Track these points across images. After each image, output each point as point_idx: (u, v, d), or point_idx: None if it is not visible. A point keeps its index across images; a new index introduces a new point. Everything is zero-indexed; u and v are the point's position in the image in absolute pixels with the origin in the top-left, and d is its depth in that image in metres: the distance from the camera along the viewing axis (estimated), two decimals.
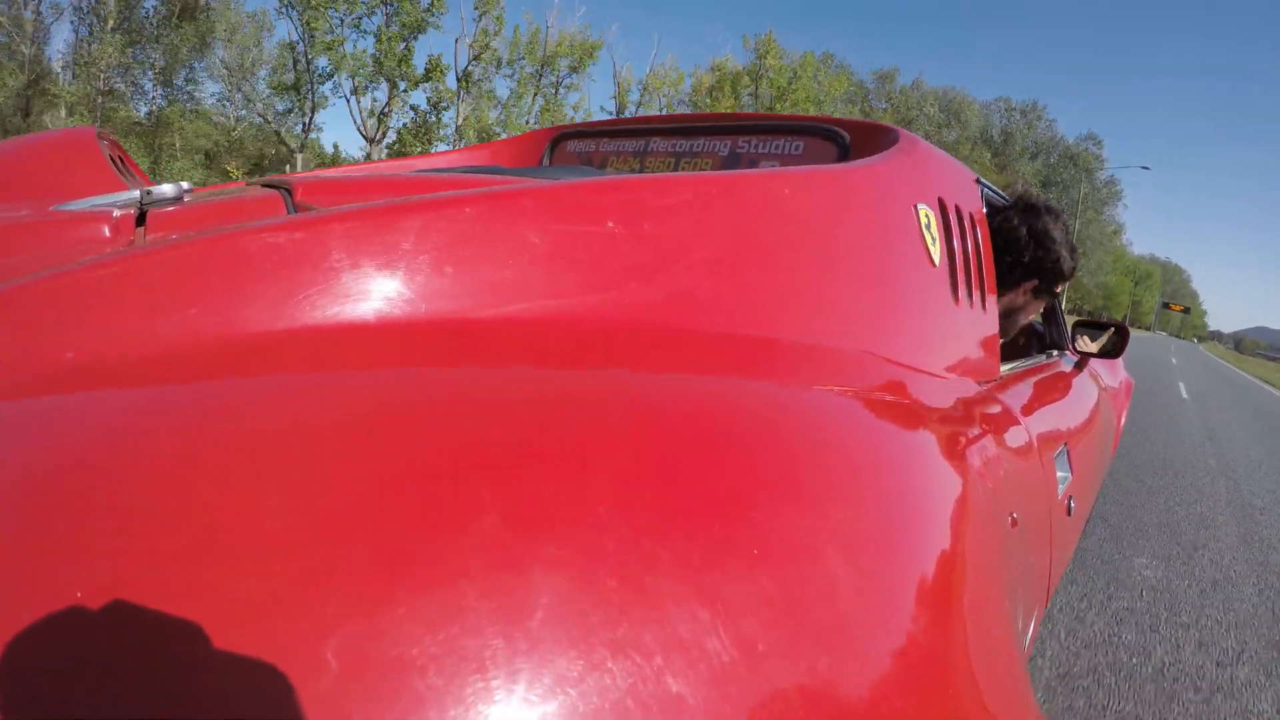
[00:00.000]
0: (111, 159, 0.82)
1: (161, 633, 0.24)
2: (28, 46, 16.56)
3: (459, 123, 20.96)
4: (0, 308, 0.37)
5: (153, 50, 18.23)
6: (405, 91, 19.16)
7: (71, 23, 17.39)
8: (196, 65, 19.45)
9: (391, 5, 18.03)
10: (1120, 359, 1.97)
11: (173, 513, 0.27)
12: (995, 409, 0.88)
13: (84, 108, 16.79)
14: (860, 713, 0.33)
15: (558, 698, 0.25)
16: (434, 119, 19.69)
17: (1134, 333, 5.95)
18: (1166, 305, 60.74)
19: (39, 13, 16.88)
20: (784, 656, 0.31)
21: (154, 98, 19.08)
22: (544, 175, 0.97)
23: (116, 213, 0.50)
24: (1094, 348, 1.73)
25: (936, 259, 0.87)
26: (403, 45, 18.34)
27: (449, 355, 0.43)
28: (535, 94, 22.35)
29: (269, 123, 19.31)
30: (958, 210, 0.98)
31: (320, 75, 18.23)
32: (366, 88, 18.96)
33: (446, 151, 1.54)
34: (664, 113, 26.28)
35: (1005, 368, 1.15)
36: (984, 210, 1.12)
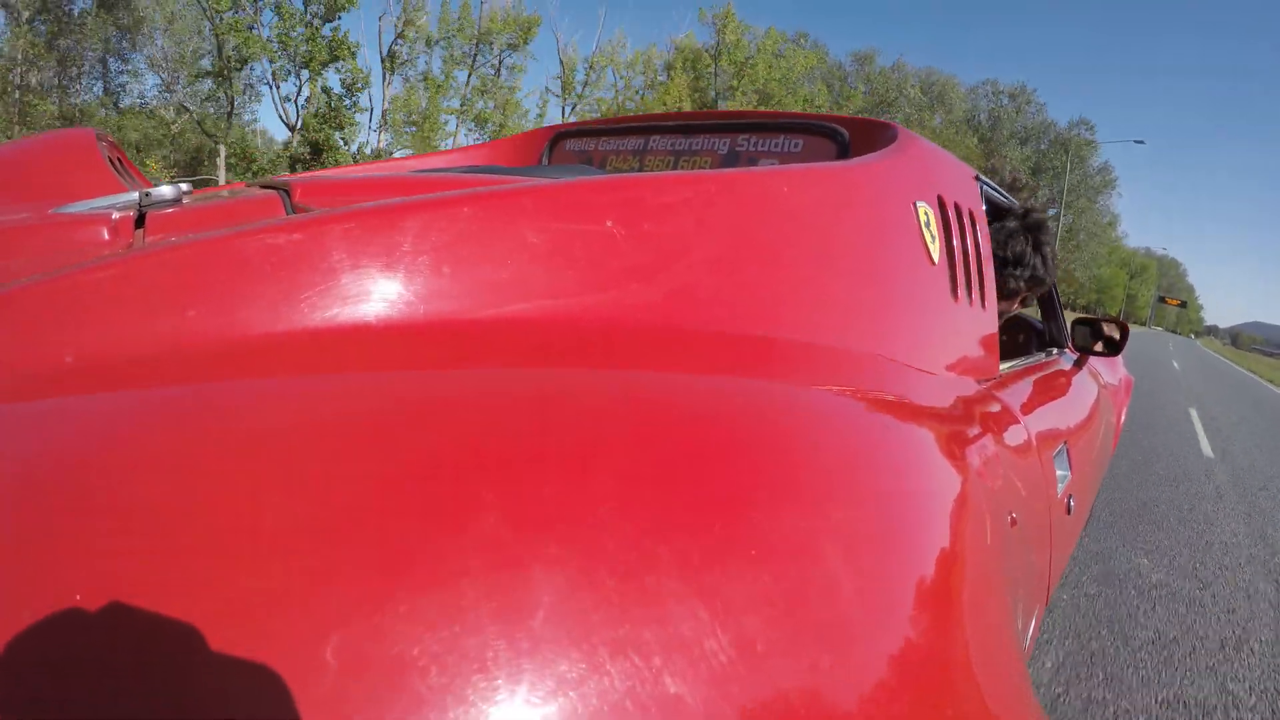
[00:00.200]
0: (110, 161, 0.81)
1: (162, 633, 0.24)
2: None
3: (385, 106, 19.54)
4: (0, 309, 0.37)
5: (84, 43, 17.17)
6: (315, 74, 17.74)
7: None
8: (135, 57, 18.33)
9: None
10: (1120, 356, 1.95)
11: (173, 513, 0.27)
12: (994, 407, 0.88)
13: None
14: (861, 712, 0.33)
15: (558, 697, 0.25)
16: (350, 102, 18.11)
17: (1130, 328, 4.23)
18: (1163, 299, 59.54)
19: None
20: (784, 656, 0.31)
21: (84, 91, 17.96)
22: (543, 174, 0.97)
23: (115, 215, 0.50)
24: (1094, 345, 1.73)
25: (936, 257, 0.87)
26: (307, 25, 17.04)
27: (449, 355, 0.43)
28: (470, 74, 20.68)
29: (190, 112, 18.14)
30: (957, 208, 0.98)
31: (237, 61, 16.97)
32: (288, 73, 17.72)
33: (445, 151, 1.54)
34: (618, 94, 24.32)
35: (1004, 366, 1.15)
36: (984, 208, 1.11)
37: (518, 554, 0.28)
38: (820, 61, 29.03)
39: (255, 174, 16.60)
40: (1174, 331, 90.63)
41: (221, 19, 15.90)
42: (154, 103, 18.50)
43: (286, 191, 0.59)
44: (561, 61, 23.63)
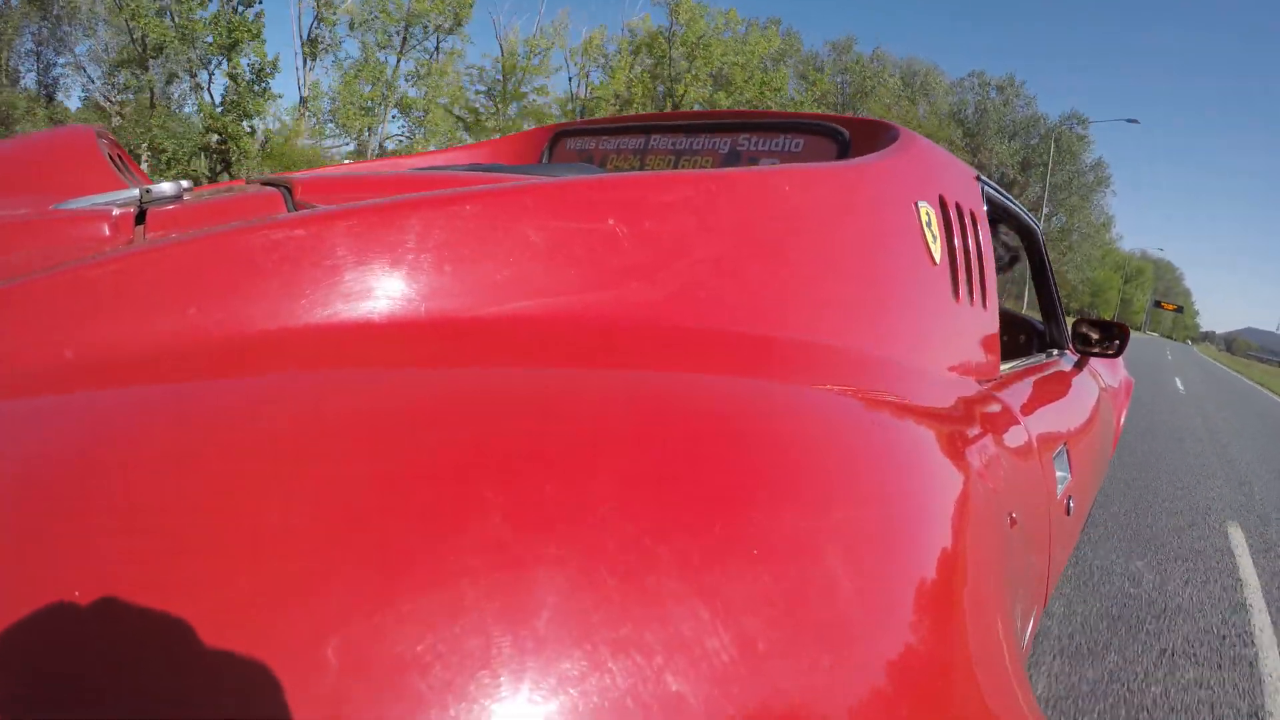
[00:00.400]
0: (110, 158, 0.81)
1: (164, 633, 0.24)
2: None
3: (304, 94, 18.37)
4: (0, 306, 0.37)
5: (6, 34, 16.29)
6: (223, 60, 16.56)
7: None
8: (79, 51, 17.27)
9: None
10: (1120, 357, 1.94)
11: (174, 511, 0.27)
12: (995, 408, 0.88)
13: None
14: (861, 711, 0.33)
15: (559, 697, 0.25)
16: (260, 89, 16.75)
17: None
18: (1158, 304, 57.92)
19: None
20: (784, 656, 0.31)
21: (6, 86, 16.77)
22: (544, 173, 0.97)
23: (116, 211, 0.50)
24: (1095, 347, 1.73)
25: (937, 257, 0.86)
26: (210, 9, 15.79)
27: (450, 353, 0.43)
28: (399, 58, 18.91)
29: (114, 104, 17.00)
30: (958, 208, 0.98)
31: (153, 49, 15.85)
32: (206, 60, 16.60)
33: (445, 149, 1.54)
34: (571, 78, 22.36)
35: (1005, 366, 1.15)
36: (985, 208, 1.11)
37: (519, 553, 0.28)
38: (792, 48, 27.02)
39: (167, 165, 15.44)
40: (1169, 337, 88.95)
41: (126, 3, 14.83)
42: (91, 95, 17.50)
43: (288, 189, 0.58)
44: (500, 46, 21.67)
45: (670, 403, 0.42)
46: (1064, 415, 1.28)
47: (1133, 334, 1.92)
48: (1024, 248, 1.73)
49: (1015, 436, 0.88)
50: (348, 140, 19.29)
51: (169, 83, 16.74)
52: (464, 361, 0.43)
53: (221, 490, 0.28)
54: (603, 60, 22.91)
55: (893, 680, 0.35)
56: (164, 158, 15.29)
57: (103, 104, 16.86)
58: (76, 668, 0.23)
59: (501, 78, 21.59)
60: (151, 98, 16.21)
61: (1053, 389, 1.32)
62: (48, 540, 0.26)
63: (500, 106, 21.21)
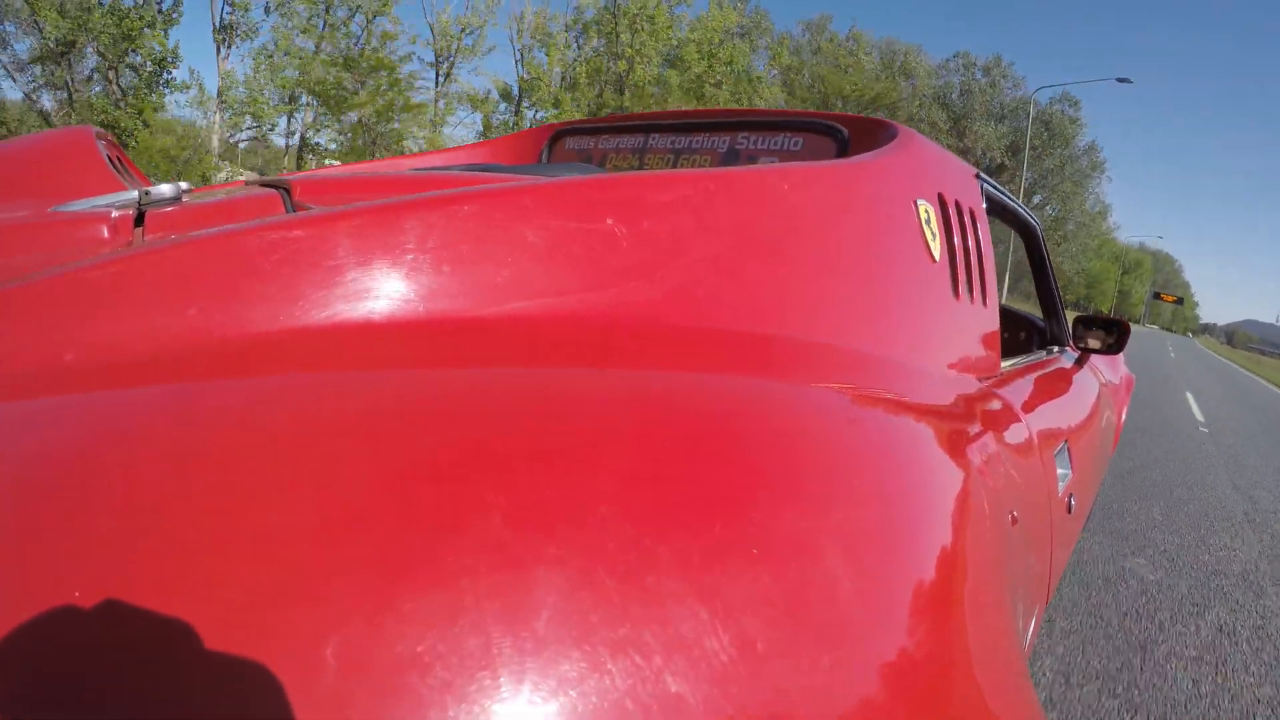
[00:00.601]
0: (109, 159, 0.81)
1: (164, 634, 0.24)
2: None
3: (220, 84, 16.97)
4: (0, 308, 0.37)
5: None
6: (118, 50, 15.24)
7: None
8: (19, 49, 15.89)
9: None
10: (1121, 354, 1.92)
11: (174, 512, 0.27)
12: (996, 406, 0.88)
13: None
14: (861, 711, 0.33)
15: (559, 697, 0.25)
16: (160, 79, 15.53)
17: None
18: (1158, 295, 55.98)
19: None
20: (785, 656, 0.31)
21: None
22: (542, 173, 0.97)
23: (115, 213, 0.50)
24: (1095, 343, 1.72)
25: (937, 255, 0.86)
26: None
27: (450, 354, 0.43)
28: (318, 43, 17.50)
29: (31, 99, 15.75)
30: (957, 205, 0.97)
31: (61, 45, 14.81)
32: (113, 54, 15.36)
33: (443, 150, 1.53)
34: (518, 62, 20.57)
35: (1006, 363, 1.15)
36: (984, 206, 1.11)
37: (519, 553, 0.28)
38: (760, 27, 25.10)
39: None
40: (1169, 330, 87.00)
41: None
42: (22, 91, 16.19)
43: (286, 190, 0.58)
44: (431, 28, 19.87)
45: (670, 402, 0.42)
46: (1065, 412, 1.28)
47: (1132, 328, 1.79)
48: (1024, 245, 1.70)
49: (1016, 434, 0.87)
50: (252, 131, 17.38)
51: (89, 79, 15.67)
52: (463, 362, 0.42)
53: (221, 491, 0.28)
54: (546, 39, 20.97)
55: (894, 680, 0.35)
56: None
57: (41, 103, 15.96)
58: (77, 668, 0.23)
59: (434, 61, 19.71)
60: (70, 94, 15.32)
61: (1053, 386, 1.32)
62: (48, 541, 0.26)
63: (435, 91, 19.31)
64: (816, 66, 27.88)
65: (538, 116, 19.04)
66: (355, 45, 18.81)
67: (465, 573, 0.26)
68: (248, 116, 17.18)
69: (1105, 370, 1.95)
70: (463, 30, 20.33)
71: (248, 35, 17.11)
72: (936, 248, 0.86)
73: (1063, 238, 35.04)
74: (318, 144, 18.09)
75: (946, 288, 0.88)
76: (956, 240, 0.93)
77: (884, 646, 0.35)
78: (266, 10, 17.25)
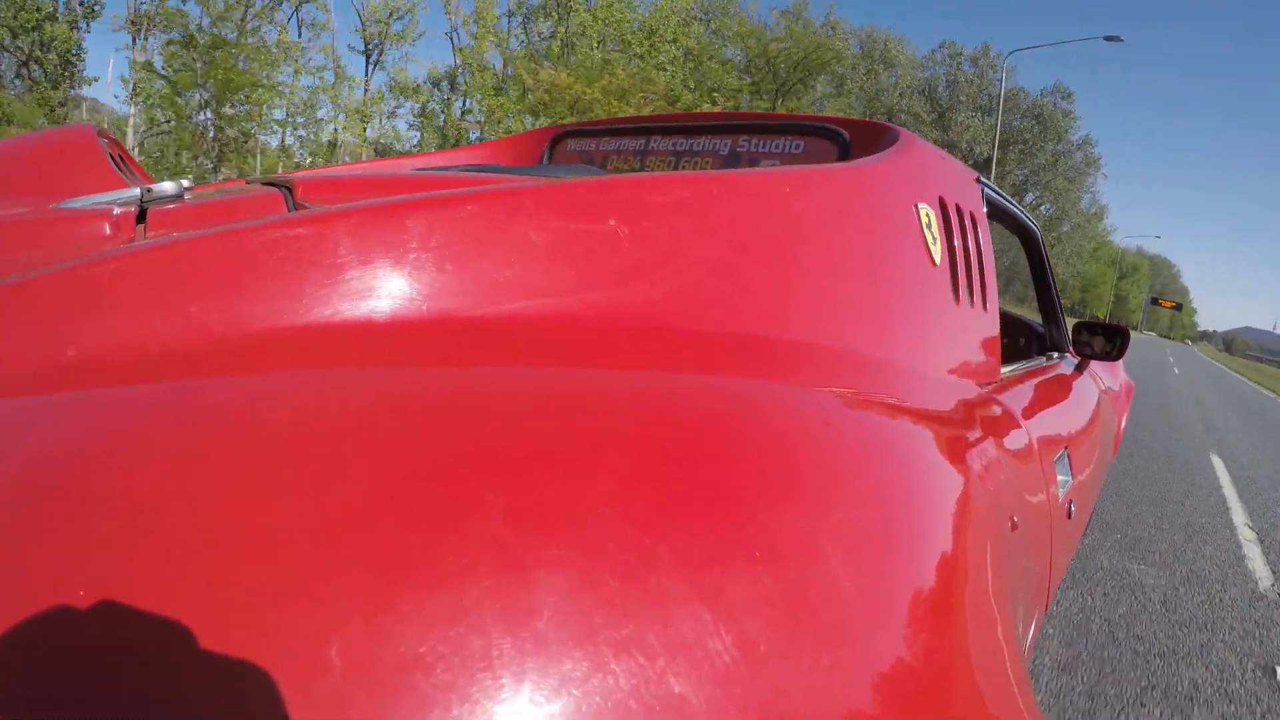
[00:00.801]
0: (111, 156, 0.81)
1: (165, 634, 0.24)
2: None
3: (135, 76, 15.76)
4: (1, 305, 0.37)
5: None
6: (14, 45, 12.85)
7: None
8: None
9: None
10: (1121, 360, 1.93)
11: (175, 511, 0.27)
12: (996, 411, 0.88)
13: None
14: (861, 714, 0.33)
15: (561, 697, 0.25)
16: (65, 73, 15.26)
17: None
18: (1155, 301, 54.26)
19: None
20: (785, 658, 0.31)
21: None
22: (544, 174, 0.96)
23: (117, 210, 0.50)
24: (1095, 349, 1.72)
25: (937, 259, 0.86)
26: None
27: (451, 353, 0.43)
28: (239, 33, 16.11)
29: None
30: (958, 209, 0.97)
31: None
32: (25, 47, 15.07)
33: (445, 150, 1.53)
34: (456, 48, 18.68)
35: (1006, 369, 1.15)
36: (985, 210, 1.11)
37: (520, 554, 0.28)
38: (728, 13, 23.11)
39: None
40: (1168, 337, 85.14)
41: None
42: None
43: (288, 188, 0.58)
44: (359, 14, 18.03)
45: (671, 404, 0.42)
46: (1065, 418, 1.28)
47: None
48: (1024, 250, 1.69)
49: (1016, 439, 0.87)
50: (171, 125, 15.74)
51: (17, 75, 15.24)
52: (465, 362, 0.42)
53: (222, 490, 0.28)
54: (482, 22, 18.98)
55: (893, 683, 0.35)
56: None
57: None
58: (77, 668, 0.23)
59: (364, 49, 17.76)
60: None
61: (1053, 392, 1.32)
62: (49, 540, 0.26)
63: (365, 82, 17.45)
64: (800, 64, 25.93)
65: (467, 104, 16.92)
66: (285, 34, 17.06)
67: (467, 573, 0.26)
68: (158, 110, 15.68)
69: (1105, 377, 1.96)
70: (391, 14, 18.49)
71: (163, 25, 15.65)
72: (937, 252, 0.86)
73: (1056, 239, 33.08)
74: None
75: (947, 292, 0.88)
76: (957, 244, 0.94)
77: (884, 650, 0.35)
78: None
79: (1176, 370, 16.02)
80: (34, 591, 0.24)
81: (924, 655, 0.37)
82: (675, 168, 1.27)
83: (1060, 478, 1.09)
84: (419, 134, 19.20)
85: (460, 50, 17.39)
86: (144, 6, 16.15)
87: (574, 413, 0.37)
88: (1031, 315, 2.07)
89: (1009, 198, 1.37)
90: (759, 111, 1.78)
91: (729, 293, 0.57)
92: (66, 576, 0.24)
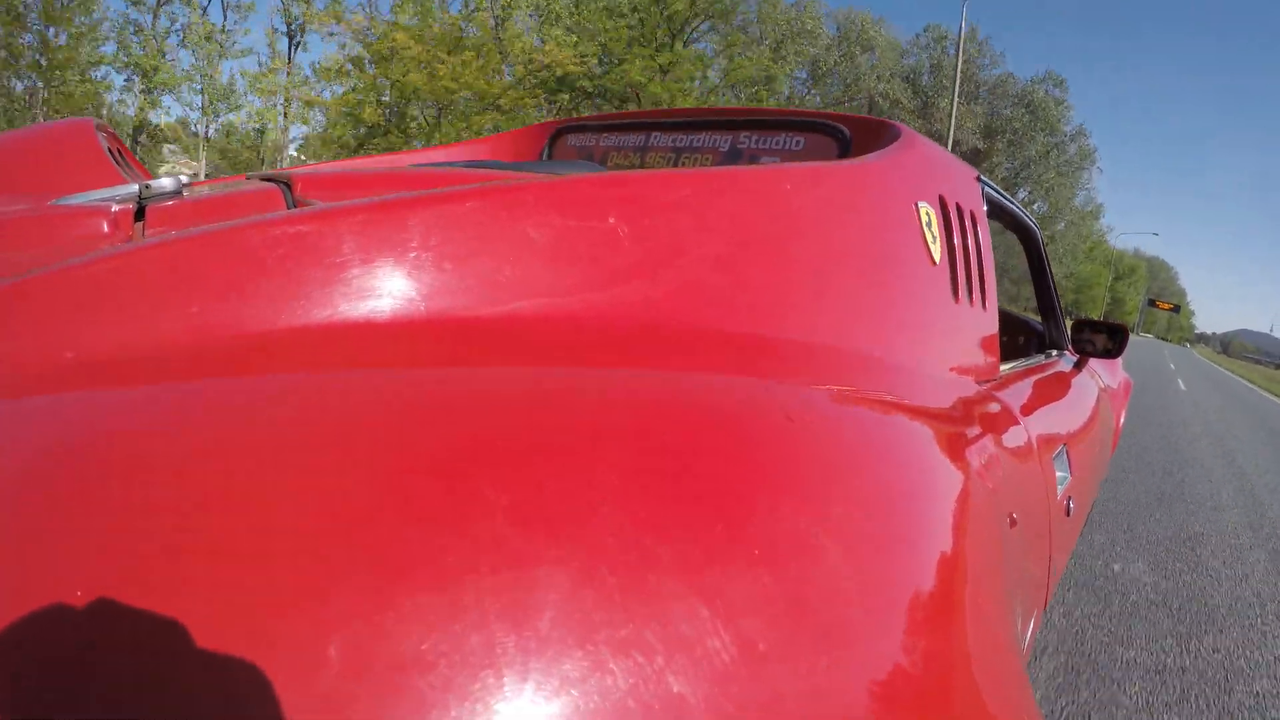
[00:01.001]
0: (110, 152, 0.80)
1: (166, 634, 0.24)
2: None
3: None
4: None
5: None
6: None
7: None
8: None
9: None
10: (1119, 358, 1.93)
11: (175, 511, 0.27)
12: (995, 408, 0.87)
13: None
14: (860, 713, 0.33)
15: (560, 697, 0.25)
16: None
17: None
18: (1153, 303, 52.27)
19: None
20: (784, 656, 0.31)
21: None
22: (544, 170, 0.95)
23: (115, 207, 0.50)
24: (1094, 348, 1.72)
25: (937, 257, 0.86)
26: None
27: (452, 351, 0.43)
28: (155, 18, 13.41)
29: None
30: (958, 208, 0.97)
31: None
32: None
33: (444, 145, 1.51)
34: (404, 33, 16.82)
35: (1005, 367, 1.14)
36: (985, 208, 1.11)
37: (520, 552, 0.28)
38: None
39: None
40: (1165, 339, 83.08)
41: None
42: None
43: (287, 185, 0.58)
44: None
45: (671, 402, 0.42)
46: (1064, 416, 1.27)
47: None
48: (1023, 248, 1.70)
49: (1015, 437, 0.87)
50: None
51: None
52: (465, 360, 0.42)
53: (223, 489, 0.28)
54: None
55: (891, 681, 0.35)
56: None
57: None
58: (77, 668, 0.23)
59: (287, 30, 15.58)
60: None
61: (1052, 389, 1.32)
62: (49, 540, 0.26)
63: (287, 65, 15.30)
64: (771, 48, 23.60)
65: (381, 81, 14.65)
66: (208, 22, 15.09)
67: (467, 571, 0.26)
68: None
69: (1104, 374, 1.96)
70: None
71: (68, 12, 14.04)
72: (937, 250, 0.86)
73: (1050, 238, 30.99)
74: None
75: (946, 290, 0.88)
76: (957, 242, 0.93)
77: (882, 648, 0.35)
78: None
79: (1183, 385, 11.55)
80: (34, 592, 0.24)
81: (922, 653, 0.37)
82: (675, 164, 1.27)
83: (1059, 475, 1.09)
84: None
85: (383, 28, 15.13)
86: None
87: (575, 411, 0.37)
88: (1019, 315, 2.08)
89: (1009, 196, 1.37)
90: (761, 108, 1.61)
91: (729, 290, 0.57)
92: (66, 577, 0.24)
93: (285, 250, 0.41)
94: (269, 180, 0.62)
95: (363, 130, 12.45)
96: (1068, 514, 1.13)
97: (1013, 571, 0.64)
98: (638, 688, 0.26)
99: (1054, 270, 1.83)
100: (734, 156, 1.21)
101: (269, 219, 0.44)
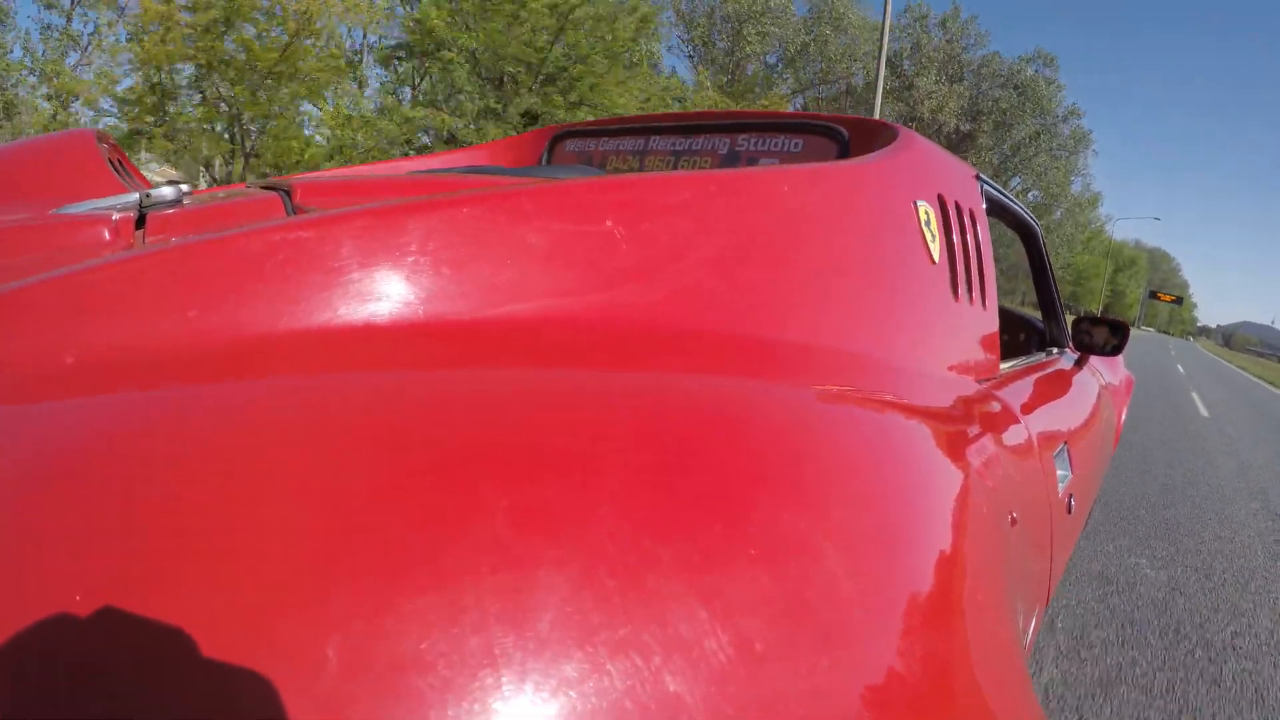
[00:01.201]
0: (110, 162, 0.81)
1: (165, 633, 0.24)
2: None
3: None
4: (1, 310, 0.37)
5: None
6: None
7: None
8: None
9: None
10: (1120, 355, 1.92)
11: (175, 514, 0.27)
12: (995, 407, 0.87)
13: None
14: (860, 712, 0.33)
15: (559, 698, 0.25)
16: None
17: None
18: (1154, 295, 50.35)
19: None
20: (784, 657, 0.31)
21: None
22: (543, 175, 0.96)
23: (116, 215, 0.50)
24: (1095, 344, 1.72)
25: (936, 256, 0.86)
26: None
27: (450, 356, 0.43)
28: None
29: None
30: (957, 207, 0.97)
31: None
32: None
33: (443, 152, 1.52)
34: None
35: (1005, 365, 1.14)
36: (984, 207, 1.10)
37: (519, 554, 0.28)
38: None
39: None
40: (1167, 332, 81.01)
41: None
42: None
43: (287, 192, 0.58)
44: None
45: (670, 404, 0.42)
46: (1064, 413, 1.27)
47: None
48: (1023, 246, 1.69)
49: (1015, 435, 0.87)
50: None
51: None
52: (465, 364, 0.42)
53: (223, 492, 0.28)
54: None
55: (893, 681, 0.35)
56: None
57: None
58: (77, 668, 0.23)
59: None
60: None
61: (1053, 387, 1.31)
62: (49, 543, 0.26)
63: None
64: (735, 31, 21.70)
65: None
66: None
67: (466, 573, 0.27)
68: None
69: (1105, 371, 1.95)
70: None
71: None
72: (936, 249, 0.86)
73: (1045, 228, 28.96)
74: None
75: (946, 289, 0.88)
76: (956, 241, 0.93)
77: (883, 648, 0.35)
78: None
79: (1203, 410, 7.97)
80: (34, 593, 0.24)
81: (923, 652, 0.37)
82: (674, 167, 1.27)
83: (1060, 473, 1.08)
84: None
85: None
86: None
87: (574, 414, 0.37)
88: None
89: (1009, 194, 1.36)
90: (758, 110, 1.58)
91: (728, 292, 0.57)
92: (67, 578, 0.25)
93: (286, 256, 0.42)
94: (269, 188, 0.63)
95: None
96: (1069, 512, 1.13)
97: (1013, 570, 0.64)
98: (637, 689, 0.26)
99: (1051, 262, 1.72)
100: (733, 159, 1.21)
101: (270, 225, 0.44)
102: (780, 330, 0.59)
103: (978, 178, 1.11)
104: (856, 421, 0.52)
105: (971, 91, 25.95)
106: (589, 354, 0.46)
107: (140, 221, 0.50)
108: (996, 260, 1.14)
